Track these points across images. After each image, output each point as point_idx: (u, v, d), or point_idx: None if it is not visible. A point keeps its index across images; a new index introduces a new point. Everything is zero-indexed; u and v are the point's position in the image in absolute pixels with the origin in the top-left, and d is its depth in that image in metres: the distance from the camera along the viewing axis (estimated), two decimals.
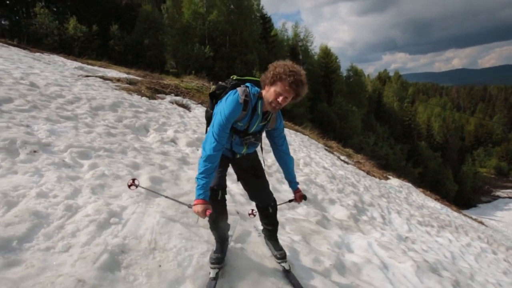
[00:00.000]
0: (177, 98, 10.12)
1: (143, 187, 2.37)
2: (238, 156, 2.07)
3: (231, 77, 2.01)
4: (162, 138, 4.98)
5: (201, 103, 11.79)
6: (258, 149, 2.19)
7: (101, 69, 13.00)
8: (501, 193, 50.00)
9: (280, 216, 3.20)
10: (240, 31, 32.67)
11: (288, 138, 9.33)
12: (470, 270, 4.45)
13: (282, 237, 2.86)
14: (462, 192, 44.11)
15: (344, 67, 44.46)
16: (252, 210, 2.59)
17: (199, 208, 1.72)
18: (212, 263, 1.99)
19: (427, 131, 49.03)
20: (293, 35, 38.45)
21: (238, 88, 1.85)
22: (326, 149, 12.78)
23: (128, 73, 13.32)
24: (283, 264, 2.26)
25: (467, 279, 3.96)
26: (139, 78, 12.14)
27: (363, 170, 12.79)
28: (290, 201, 2.34)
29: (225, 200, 2.06)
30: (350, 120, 31.26)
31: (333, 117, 31.23)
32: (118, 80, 9.76)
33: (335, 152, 13.52)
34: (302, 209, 4.14)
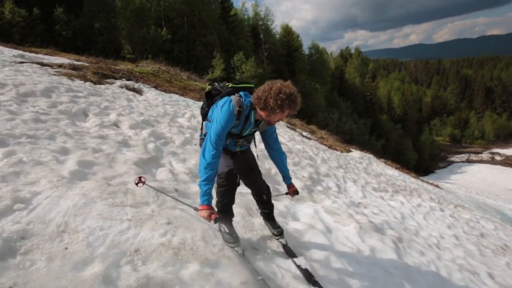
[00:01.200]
0: (128, 82, 9.56)
1: (150, 186, 2.44)
2: (233, 151, 2.26)
3: (227, 84, 2.12)
4: (103, 122, 4.65)
5: (156, 87, 11.28)
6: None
7: (46, 56, 11.92)
8: (455, 158, 54.21)
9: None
10: (198, 11, 31.40)
11: None
12: (416, 227, 4.71)
13: None
14: (421, 160, 47.18)
15: (307, 45, 44.78)
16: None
17: (204, 213, 1.88)
18: (233, 243, 2.12)
19: (388, 105, 51.27)
20: (253, 15, 37.68)
21: (232, 97, 1.95)
22: (288, 127, 12.87)
23: (78, 60, 12.34)
24: (280, 240, 2.50)
25: (411, 235, 4.18)
26: (87, 64, 11.31)
27: (325, 145, 13.11)
28: (286, 193, 2.55)
29: (238, 184, 2.23)
30: (314, 98, 31.74)
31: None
32: (60, 66, 8.99)
33: (297, 129, 13.67)
34: None
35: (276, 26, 39.28)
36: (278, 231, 2.50)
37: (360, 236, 3.17)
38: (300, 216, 3.33)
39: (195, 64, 28.86)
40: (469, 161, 50.90)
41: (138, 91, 8.45)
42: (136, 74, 13.06)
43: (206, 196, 1.90)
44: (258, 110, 1.96)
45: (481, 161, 49.79)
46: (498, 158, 50.54)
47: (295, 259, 2.31)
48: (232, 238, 2.13)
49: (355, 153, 13.47)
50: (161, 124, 5.42)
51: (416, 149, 45.95)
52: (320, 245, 2.75)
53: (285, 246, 2.49)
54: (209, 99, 2.18)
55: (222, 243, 2.07)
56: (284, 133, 9.25)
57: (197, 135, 5.32)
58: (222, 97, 2.03)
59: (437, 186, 20.51)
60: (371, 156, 15.37)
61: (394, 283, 2.44)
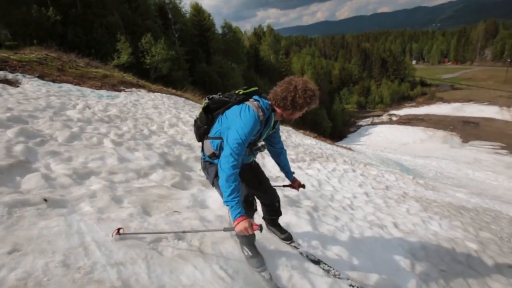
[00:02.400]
0: None
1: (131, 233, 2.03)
2: (247, 163, 2.08)
3: (237, 91, 1.98)
4: None
5: (41, 76, 9.48)
6: None
7: None
8: (362, 122, 61.06)
9: (123, 189, 2.79)
10: None
11: (156, 102, 8.35)
12: (331, 192, 4.89)
13: (112, 215, 2.28)
14: (335, 127, 51.94)
15: (220, 25, 43.71)
16: None
17: (245, 224, 1.64)
18: (260, 267, 1.97)
19: None
20: None
21: (250, 104, 1.83)
22: None
23: None
24: (293, 244, 2.41)
25: (327, 201, 4.29)
26: None
27: None
28: (284, 186, 2.48)
29: (256, 210, 2.12)
30: (231, 77, 31.50)
31: (214, 76, 30.88)
32: None
33: None
34: (157, 174, 3.60)
35: (185, 5, 37.21)
36: (287, 236, 2.42)
37: None
38: (209, 203, 3.02)
39: (96, 49, 25.51)
40: (373, 124, 57.95)
41: (12, 83, 6.88)
42: (13, 63, 10.77)
43: (239, 208, 1.68)
44: (278, 110, 1.88)
45: (382, 123, 57.18)
46: (394, 118, 58.68)
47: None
48: (258, 262, 1.97)
49: None
50: (38, 119, 4.43)
51: (330, 118, 50.24)
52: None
53: (298, 249, 2.39)
54: (209, 114, 1.99)
55: (91, 263, 1.60)
56: None
57: (89, 129, 4.51)
58: (228, 107, 1.90)
59: (349, 149, 22.75)
60: (290, 128, 16.01)
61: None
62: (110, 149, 3.94)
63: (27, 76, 8.94)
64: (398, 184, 7.19)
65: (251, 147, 1.98)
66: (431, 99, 68.70)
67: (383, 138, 46.37)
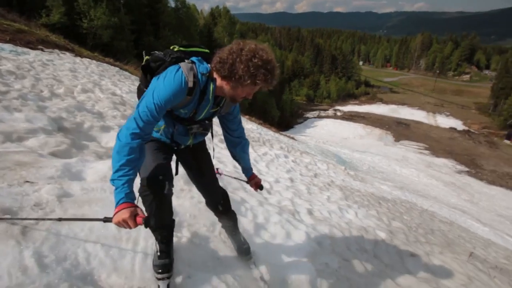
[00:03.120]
0: None
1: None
2: (181, 147, 1.66)
3: (171, 47, 1.54)
4: None
5: None
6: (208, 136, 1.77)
7: None
8: (310, 115, 63.36)
9: None
10: None
11: (76, 66, 7.24)
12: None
13: None
14: (283, 117, 53.04)
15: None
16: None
17: (124, 214, 1.17)
18: (159, 273, 1.53)
19: None
20: None
21: (182, 64, 1.37)
22: None
23: None
24: (246, 258, 1.98)
25: (242, 183, 4.00)
26: None
27: None
28: (236, 178, 2.31)
29: (172, 193, 1.56)
30: None
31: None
32: None
33: None
34: (36, 139, 2.88)
35: None
36: (244, 249, 1.96)
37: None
38: (87, 175, 2.44)
39: (22, 4, 21.97)
40: (319, 117, 60.49)
41: None
42: None
43: (123, 193, 1.22)
44: (219, 80, 1.41)
45: (327, 117, 59.97)
46: (339, 113, 61.95)
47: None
48: (161, 265, 1.54)
49: None
50: None
51: (279, 107, 51.03)
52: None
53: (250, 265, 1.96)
54: (148, 74, 1.54)
55: None
56: (125, 84, 7.86)
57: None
58: (166, 67, 1.41)
59: (292, 138, 23.26)
60: None
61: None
62: None
63: None
64: (328, 173, 7.27)
65: (186, 125, 1.55)
66: (373, 99, 73.89)
67: (327, 131, 48.69)
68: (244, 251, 1.97)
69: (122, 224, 1.20)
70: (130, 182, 1.26)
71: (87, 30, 23.62)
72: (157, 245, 1.61)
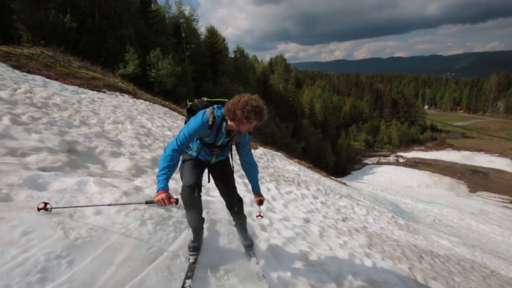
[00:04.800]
0: None
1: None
2: (211, 163, 2.38)
3: (202, 98, 2.37)
4: None
5: (17, 67, 9.32)
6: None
7: None
8: (368, 161, 59.88)
9: None
10: (111, 1, 28.73)
11: (124, 104, 7.95)
12: (263, 212, 4.22)
13: None
14: (339, 163, 50.86)
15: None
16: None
17: (162, 196, 1.92)
18: (191, 251, 2.19)
19: (310, 111, 54.24)
20: (176, 12, 36.18)
21: (207, 110, 2.12)
22: None
23: None
24: (249, 252, 2.56)
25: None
26: None
27: None
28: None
29: (200, 196, 2.25)
30: None
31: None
32: None
33: None
34: (36, 156, 3.02)
35: (201, 27, 38.56)
36: (248, 243, 2.60)
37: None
38: (50, 187, 2.38)
39: (106, 58, 26.17)
40: (379, 163, 56.68)
41: None
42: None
43: (162, 184, 1.96)
44: (229, 121, 2.08)
45: (388, 163, 55.86)
46: (401, 160, 57.36)
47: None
48: (192, 247, 2.21)
49: (259, 150, 13.22)
50: None
51: (335, 152, 49.31)
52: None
53: (251, 257, 2.52)
54: (190, 114, 2.31)
55: None
56: (169, 122, 8.29)
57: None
58: (199, 110, 2.19)
59: (344, 183, 21.82)
60: (279, 154, 15.41)
61: None
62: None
63: (1, 63, 8.78)
64: (364, 219, 6.38)
65: (210, 148, 2.24)
66: (441, 145, 67.27)
67: (387, 178, 44.97)
68: (248, 244, 2.59)
69: (161, 202, 1.91)
70: (167, 178, 2.00)
71: (154, 79, 26.75)
72: (192, 234, 2.28)
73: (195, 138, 2.19)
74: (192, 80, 32.28)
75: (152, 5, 34.83)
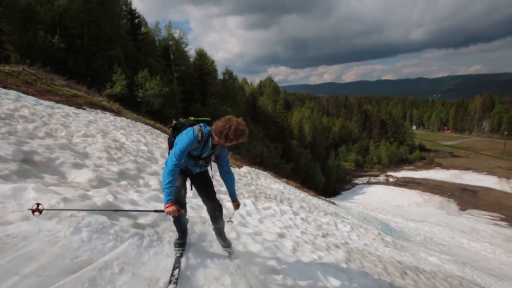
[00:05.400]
0: None
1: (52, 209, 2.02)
2: (193, 173, 2.68)
3: (189, 118, 2.68)
4: None
5: (3, 85, 9.08)
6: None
7: None
8: (358, 181, 59.88)
9: None
10: (101, 23, 29.07)
11: (100, 120, 7.73)
12: (232, 226, 3.97)
13: None
14: (329, 183, 50.62)
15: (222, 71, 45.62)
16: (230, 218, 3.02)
17: (173, 208, 2.24)
18: (177, 247, 2.51)
19: (299, 132, 54.57)
20: (166, 35, 36.82)
21: (195, 127, 2.44)
22: None
23: None
24: (228, 251, 2.91)
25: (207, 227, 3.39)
26: None
27: None
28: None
29: (183, 211, 2.52)
30: None
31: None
32: None
33: None
34: None
35: (191, 49, 39.21)
36: (227, 244, 2.92)
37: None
38: None
39: (94, 78, 26.09)
40: (369, 183, 56.73)
41: None
42: None
43: (170, 196, 2.25)
44: (215, 138, 2.39)
45: (378, 183, 55.96)
46: (391, 180, 57.56)
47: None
48: (178, 244, 2.53)
49: (244, 169, 12.99)
50: None
51: (324, 173, 49.20)
52: None
53: (231, 255, 2.88)
54: (175, 131, 2.62)
55: None
56: (145, 138, 8.05)
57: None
58: (185, 128, 2.51)
59: (332, 203, 21.57)
60: (265, 173, 15.17)
61: None
62: None
63: None
64: (346, 235, 6.14)
65: (195, 160, 2.55)
66: (430, 164, 68.07)
67: (377, 198, 44.87)
68: (227, 245, 2.89)
69: (172, 213, 2.21)
70: (173, 189, 2.29)
71: (142, 99, 26.63)
72: (178, 234, 2.57)
73: None
74: (181, 101, 32.33)
75: (142, 28, 35.43)
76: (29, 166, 3.34)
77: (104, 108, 12.93)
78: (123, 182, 4.08)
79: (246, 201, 5.59)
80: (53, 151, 4.08)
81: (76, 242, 1.76)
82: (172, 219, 2.45)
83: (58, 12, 26.74)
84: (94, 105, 12.44)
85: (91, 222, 2.00)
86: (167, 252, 2.14)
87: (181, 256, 2.39)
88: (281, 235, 4.09)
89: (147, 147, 6.66)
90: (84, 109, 10.70)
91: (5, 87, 8.94)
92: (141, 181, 4.48)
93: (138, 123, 11.86)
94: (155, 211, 2.37)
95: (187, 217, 2.77)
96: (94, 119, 7.88)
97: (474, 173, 57.20)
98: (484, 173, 56.38)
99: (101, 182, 3.71)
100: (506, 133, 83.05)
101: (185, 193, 2.59)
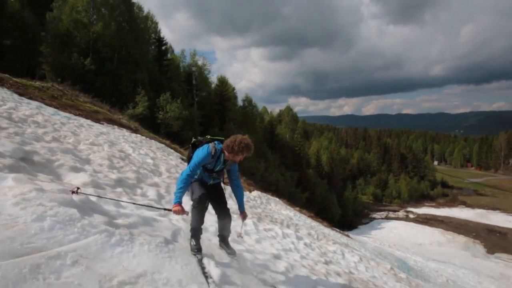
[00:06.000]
0: None
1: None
2: (208, 184, 2.98)
3: (206, 136, 3.06)
4: None
5: (21, 94, 9.60)
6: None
7: None
8: (376, 215, 57.40)
9: None
10: (131, 49, 30.91)
11: (112, 133, 7.91)
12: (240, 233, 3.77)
13: None
14: (346, 216, 48.76)
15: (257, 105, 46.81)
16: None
17: (179, 208, 2.59)
18: (195, 252, 2.74)
19: (317, 161, 53.77)
20: (190, 61, 38.56)
21: (210, 144, 2.82)
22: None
23: None
24: (235, 258, 3.13)
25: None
26: None
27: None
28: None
29: (207, 208, 2.90)
30: None
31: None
32: None
33: None
34: None
35: (213, 76, 40.75)
36: (232, 251, 3.16)
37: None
38: None
39: (118, 98, 27.30)
40: (387, 218, 54.18)
41: None
42: (10, 82, 11.27)
43: (178, 199, 2.64)
44: (226, 153, 2.74)
45: (397, 218, 53.31)
46: (411, 216, 54.76)
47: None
48: (196, 249, 2.75)
49: (255, 193, 12.74)
50: None
51: (341, 205, 47.62)
52: None
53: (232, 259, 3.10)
54: (194, 148, 2.96)
55: None
56: (156, 154, 8.10)
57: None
58: (202, 145, 2.87)
59: (347, 235, 20.58)
60: (276, 199, 14.82)
61: None
62: None
63: (7, 90, 9.07)
64: (353, 265, 5.70)
65: (209, 172, 2.90)
66: (453, 202, 64.54)
67: (396, 234, 42.55)
68: (232, 252, 3.14)
69: (177, 212, 2.56)
70: (182, 196, 2.64)
71: (162, 121, 27.41)
72: (194, 241, 2.79)
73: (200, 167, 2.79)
74: (199, 125, 32.98)
75: (169, 55, 37.32)
76: (25, 164, 3.36)
77: (121, 125, 13.30)
78: (119, 189, 4.02)
79: (247, 221, 5.38)
80: (55, 154, 4.12)
81: (34, 229, 1.67)
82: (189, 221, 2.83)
83: (93, 37, 28.74)
84: (112, 121, 12.84)
85: (59, 212, 1.91)
86: (136, 253, 1.98)
87: (201, 259, 2.63)
88: (277, 256, 3.82)
89: (153, 161, 6.67)
90: (102, 124, 11.03)
91: (30, 98, 9.41)
92: (138, 191, 4.41)
93: (153, 140, 12.06)
94: (165, 209, 2.85)
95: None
96: (107, 131, 8.07)
97: (502, 213, 53.52)
98: None
99: (95, 186, 3.67)
100: None
101: (208, 204, 2.85)
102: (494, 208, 57.14)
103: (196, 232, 2.82)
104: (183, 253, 2.49)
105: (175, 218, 3.62)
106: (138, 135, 11.53)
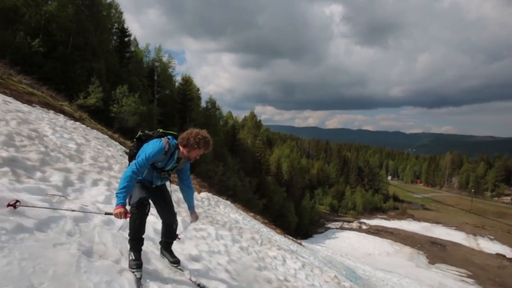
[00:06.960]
0: None
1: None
2: (153, 186, 2.67)
3: (158, 130, 2.75)
4: None
5: None
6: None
7: None
8: (331, 225, 58.95)
9: None
10: (89, 35, 28.79)
11: (44, 116, 6.84)
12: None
13: None
14: (302, 224, 49.30)
15: (223, 110, 45.99)
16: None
17: (121, 210, 2.23)
18: (134, 268, 2.38)
19: (277, 169, 54.03)
20: (154, 57, 37.01)
21: (163, 139, 2.51)
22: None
23: None
24: (179, 267, 2.85)
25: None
26: None
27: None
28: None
29: (148, 213, 2.51)
30: None
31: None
32: None
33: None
34: None
35: (177, 75, 39.47)
36: (175, 260, 2.85)
37: None
38: None
39: (69, 85, 25.11)
40: (342, 228, 55.84)
41: None
42: None
43: (122, 200, 2.25)
44: (181, 148, 2.52)
45: (351, 229, 55.15)
46: (364, 227, 56.99)
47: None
48: (136, 265, 2.40)
49: (203, 194, 12.04)
50: None
51: (298, 213, 48.09)
52: None
53: (182, 271, 2.81)
54: (139, 143, 2.64)
55: None
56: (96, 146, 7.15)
57: None
58: (151, 139, 2.56)
59: (299, 243, 20.49)
60: (228, 202, 14.23)
61: None
62: None
63: None
64: (293, 273, 5.29)
65: (159, 172, 2.59)
66: (402, 215, 68.47)
67: (349, 244, 43.84)
68: (176, 261, 2.87)
69: (119, 215, 2.24)
70: (126, 196, 2.31)
71: (115, 114, 25.63)
72: (133, 255, 2.46)
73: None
74: (158, 122, 31.46)
75: (132, 48, 35.40)
76: None
77: (62, 112, 11.95)
78: (5, 169, 3.20)
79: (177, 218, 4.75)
80: None
81: None
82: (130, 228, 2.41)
83: (45, 17, 26.30)
84: (50, 106, 11.46)
85: None
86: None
87: (140, 278, 2.32)
88: (194, 258, 3.25)
89: (78, 147, 5.76)
90: (34, 106, 9.74)
91: None
92: (38, 174, 3.59)
93: (95, 130, 10.91)
94: (106, 213, 2.50)
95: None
96: (28, 111, 6.97)
97: (444, 227, 57.74)
98: (453, 228, 57.05)
99: None
100: (473, 191, 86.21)
101: (149, 209, 2.47)
102: (437, 222, 61.46)
103: (136, 244, 2.44)
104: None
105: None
106: (77, 123, 10.35)
